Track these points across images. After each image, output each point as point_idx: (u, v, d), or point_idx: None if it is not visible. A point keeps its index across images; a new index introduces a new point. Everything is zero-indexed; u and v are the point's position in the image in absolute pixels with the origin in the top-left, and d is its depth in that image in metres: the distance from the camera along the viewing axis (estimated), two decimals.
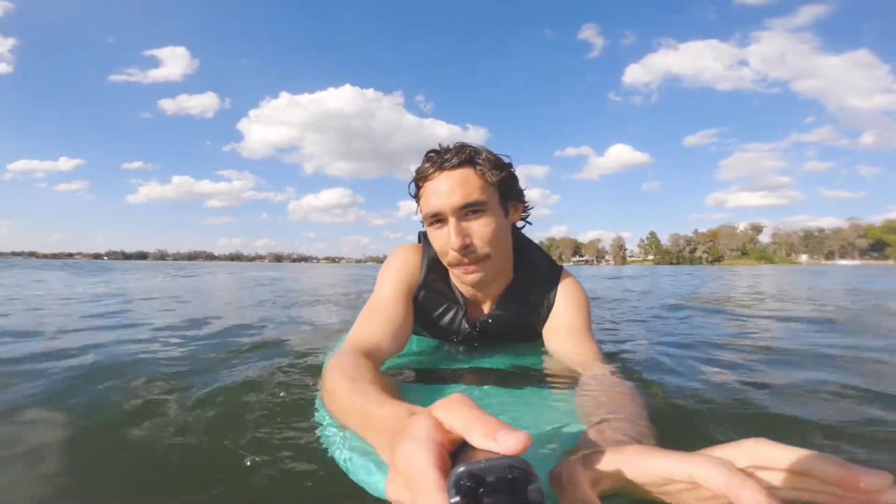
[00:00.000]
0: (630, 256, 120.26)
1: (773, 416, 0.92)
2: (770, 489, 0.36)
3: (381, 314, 0.99)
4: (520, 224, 1.14)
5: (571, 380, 0.87)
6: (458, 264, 0.99)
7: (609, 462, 0.41)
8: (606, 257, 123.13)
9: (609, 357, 1.01)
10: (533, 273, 1.11)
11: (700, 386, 1.12)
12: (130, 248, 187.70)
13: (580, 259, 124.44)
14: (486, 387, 0.85)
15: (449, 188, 0.94)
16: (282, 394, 1.03)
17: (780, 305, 3.44)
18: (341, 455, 0.58)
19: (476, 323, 1.12)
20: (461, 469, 0.32)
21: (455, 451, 0.37)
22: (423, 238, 1.14)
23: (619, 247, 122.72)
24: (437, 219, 0.97)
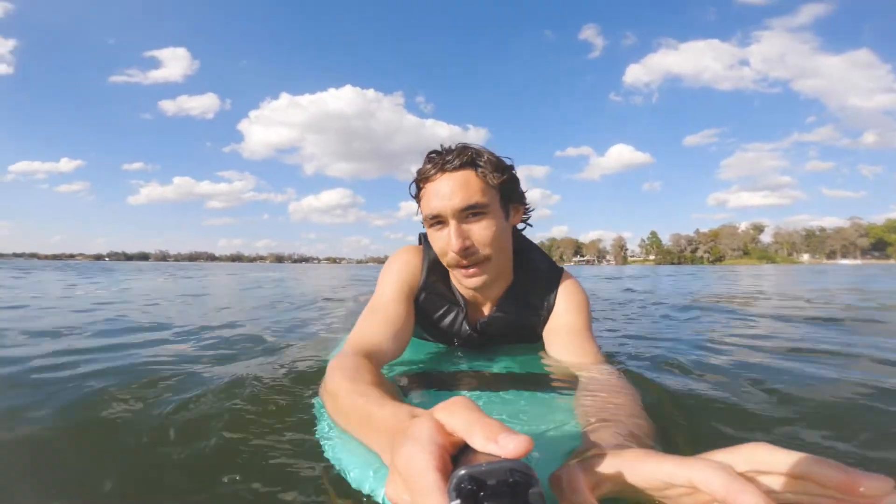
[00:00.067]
0: (631, 256, 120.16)
1: (776, 418, 0.92)
2: (769, 493, 0.36)
3: (381, 315, 0.99)
4: (520, 226, 1.14)
5: (572, 382, 0.87)
6: (457, 265, 0.99)
7: (609, 466, 0.41)
8: (607, 257, 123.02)
9: (610, 358, 1.01)
10: (533, 274, 1.11)
11: (702, 387, 1.12)
12: (132, 250, 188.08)
13: (581, 259, 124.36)
14: (487, 390, 0.85)
15: (450, 190, 0.94)
16: (282, 394, 1.03)
17: (783, 304, 3.44)
18: (340, 456, 0.59)
19: (476, 325, 1.12)
20: (462, 472, 0.32)
21: (456, 453, 0.37)
22: (423, 240, 1.14)
23: (621, 247, 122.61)
24: (438, 220, 0.97)
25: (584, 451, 0.48)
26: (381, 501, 0.48)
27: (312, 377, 1.15)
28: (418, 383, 0.98)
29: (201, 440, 0.80)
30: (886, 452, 0.76)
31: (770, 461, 0.37)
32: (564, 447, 0.55)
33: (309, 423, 0.81)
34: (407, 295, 1.06)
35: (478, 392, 0.85)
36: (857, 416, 0.92)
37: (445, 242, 0.96)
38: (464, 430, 0.36)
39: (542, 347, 1.11)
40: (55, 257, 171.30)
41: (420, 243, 1.17)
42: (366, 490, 0.52)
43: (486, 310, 1.12)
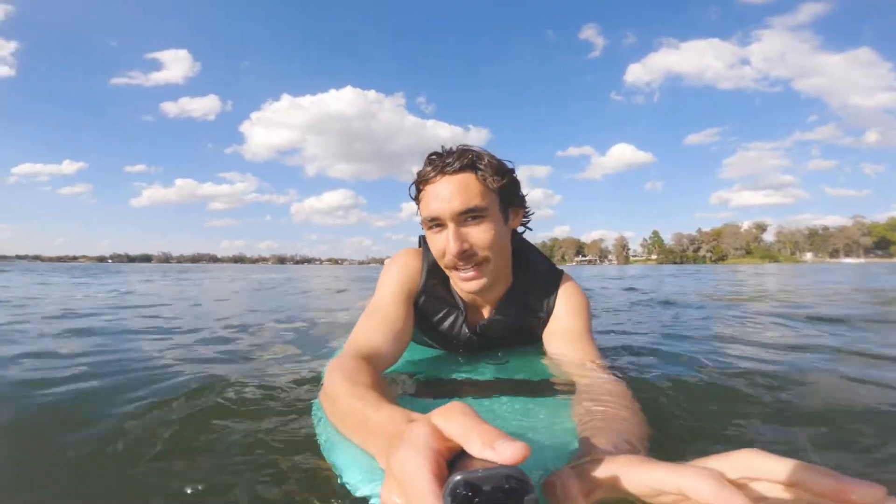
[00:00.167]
0: (633, 256, 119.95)
1: (776, 421, 0.91)
2: (761, 501, 0.36)
3: (381, 318, 0.99)
4: (520, 229, 1.14)
5: (570, 388, 0.87)
6: (454, 267, 0.99)
7: (602, 472, 0.41)
8: (609, 257, 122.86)
9: (611, 360, 1.01)
10: (532, 277, 1.11)
11: (703, 391, 1.12)
12: (134, 251, 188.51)
13: (583, 259, 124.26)
14: (484, 396, 0.85)
15: (449, 193, 0.94)
16: (282, 395, 1.04)
17: (787, 303, 3.43)
18: (338, 459, 0.59)
19: (476, 327, 1.12)
20: (458, 477, 0.32)
21: (452, 459, 0.37)
22: (423, 242, 1.14)
23: (623, 246, 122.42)
24: (437, 223, 0.97)
25: (579, 457, 0.48)
26: None
27: (312, 379, 1.15)
28: (417, 387, 0.98)
29: (201, 439, 0.80)
30: (886, 455, 0.76)
31: (762, 468, 0.37)
32: (562, 454, 0.55)
33: (308, 424, 0.81)
34: (406, 297, 1.06)
35: (475, 397, 0.85)
36: (859, 421, 0.91)
37: (443, 245, 0.96)
38: (460, 435, 0.36)
39: (542, 350, 1.11)
40: (58, 259, 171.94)
41: (420, 246, 1.17)
42: (363, 493, 0.52)
43: (486, 313, 1.12)
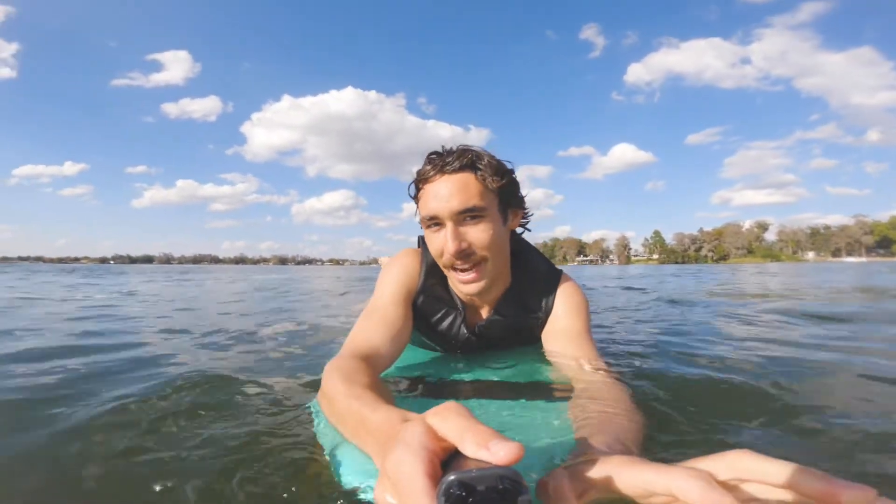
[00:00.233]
0: (635, 256, 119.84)
1: (770, 422, 0.91)
2: (751, 502, 0.36)
3: (379, 318, 0.99)
4: (519, 230, 1.13)
5: (567, 388, 0.87)
6: (452, 267, 0.99)
7: (594, 473, 0.41)
8: (611, 257, 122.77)
9: (609, 361, 1.01)
10: (531, 277, 1.11)
11: (701, 390, 1.12)
12: (136, 252, 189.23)
13: (584, 259, 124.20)
14: (481, 397, 0.85)
15: (448, 192, 0.94)
16: (280, 395, 1.04)
17: (790, 301, 3.42)
18: (335, 458, 0.59)
19: (475, 328, 1.12)
20: (451, 477, 0.32)
21: (447, 459, 0.37)
22: (422, 243, 1.14)
23: (624, 246, 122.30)
24: (435, 222, 0.97)
25: (573, 457, 0.48)
26: None
27: (311, 379, 1.15)
28: (414, 388, 0.99)
29: (200, 438, 0.80)
30: (878, 457, 0.76)
31: (753, 469, 0.36)
32: (556, 455, 0.55)
33: (307, 424, 0.81)
34: (405, 298, 1.06)
35: (471, 398, 0.85)
36: (853, 423, 0.91)
37: (441, 244, 0.96)
38: (455, 435, 0.36)
39: (541, 351, 1.10)
40: (60, 261, 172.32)
41: (419, 246, 1.17)
42: (360, 493, 0.52)
43: (485, 313, 1.12)
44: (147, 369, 1.36)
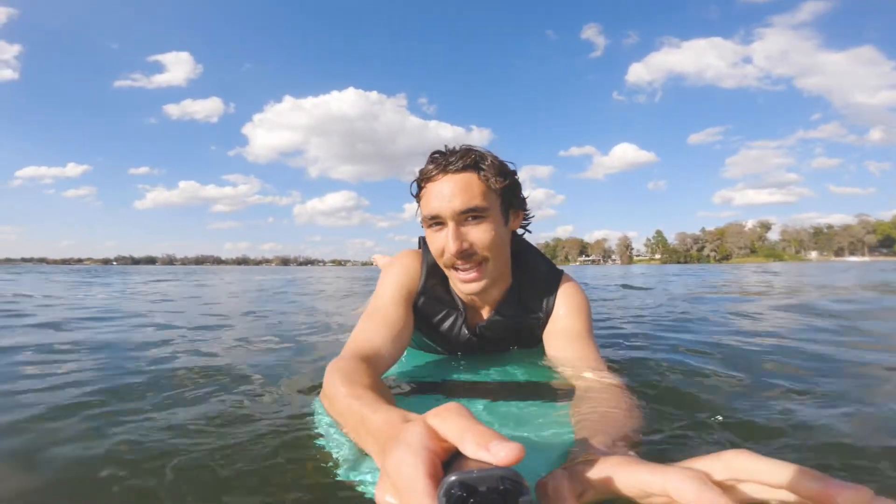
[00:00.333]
0: (637, 256, 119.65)
1: (774, 422, 0.91)
2: (745, 502, 0.36)
3: (380, 319, 0.99)
4: (519, 231, 1.13)
5: (568, 389, 0.87)
6: (452, 266, 0.99)
7: (593, 474, 0.42)
8: (613, 257, 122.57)
9: (610, 361, 1.01)
10: (531, 277, 1.11)
11: (701, 390, 1.11)
12: (138, 253, 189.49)
13: (586, 259, 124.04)
14: (482, 398, 0.85)
15: (451, 192, 0.94)
16: (282, 395, 1.04)
17: (796, 299, 3.41)
18: (337, 458, 0.59)
19: (476, 328, 1.12)
20: (452, 478, 0.32)
21: (448, 459, 0.37)
22: (423, 243, 1.14)
23: (626, 246, 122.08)
24: (437, 221, 0.97)
25: (573, 458, 0.49)
26: None
27: (314, 379, 1.15)
28: (415, 389, 0.99)
29: (201, 438, 0.80)
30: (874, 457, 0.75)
31: (749, 469, 0.37)
32: (557, 456, 0.56)
33: (309, 424, 0.81)
34: (405, 298, 1.06)
35: (472, 399, 0.85)
36: (851, 423, 0.91)
37: (443, 244, 0.96)
38: (455, 436, 0.36)
39: (542, 353, 1.10)
40: (64, 262, 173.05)
41: (420, 247, 1.17)
42: (361, 493, 0.52)
43: (485, 313, 1.12)
44: (148, 366, 1.36)
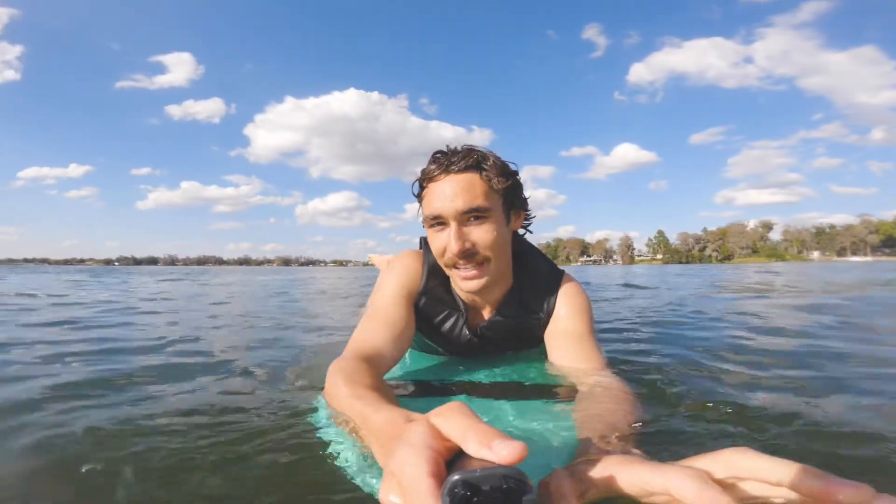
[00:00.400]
0: (638, 256, 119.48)
1: (774, 422, 0.90)
2: (748, 500, 0.36)
3: (381, 319, 0.99)
4: (521, 231, 1.13)
5: (569, 390, 0.87)
6: (454, 266, 0.99)
7: (595, 473, 0.42)
8: (614, 257, 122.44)
9: (612, 360, 1.01)
10: (533, 278, 1.11)
11: (701, 389, 1.11)
12: (140, 254, 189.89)
13: (588, 259, 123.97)
14: (485, 397, 0.85)
15: (453, 192, 0.94)
16: (284, 395, 1.04)
17: (799, 298, 3.40)
18: (339, 458, 0.59)
19: (477, 329, 1.12)
20: (456, 477, 0.32)
21: (451, 459, 0.37)
22: (423, 244, 1.14)
23: (628, 246, 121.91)
24: (439, 221, 0.97)
25: (576, 458, 0.49)
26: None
27: (315, 379, 1.16)
28: (417, 389, 0.99)
29: (202, 437, 0.80)
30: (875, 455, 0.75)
31: (750, 467, 0.37)
32: (559, 455, 0.56)
33: (310, 423, 0.81)
34: (406, 299, 1.06)
35: (475, 398, 0.85)
36: (849, 423, 0.90)
37: (444, 243, 0.96)
38: (458, 435, 0.36)
39: (543, 354, 1.10)
40: (66, 262, 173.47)
41: (420, 248, 1.17)
42: (364, 492, 0.52)
43: (486, 314, 1.12)
44: (150, 365, 1.37)
